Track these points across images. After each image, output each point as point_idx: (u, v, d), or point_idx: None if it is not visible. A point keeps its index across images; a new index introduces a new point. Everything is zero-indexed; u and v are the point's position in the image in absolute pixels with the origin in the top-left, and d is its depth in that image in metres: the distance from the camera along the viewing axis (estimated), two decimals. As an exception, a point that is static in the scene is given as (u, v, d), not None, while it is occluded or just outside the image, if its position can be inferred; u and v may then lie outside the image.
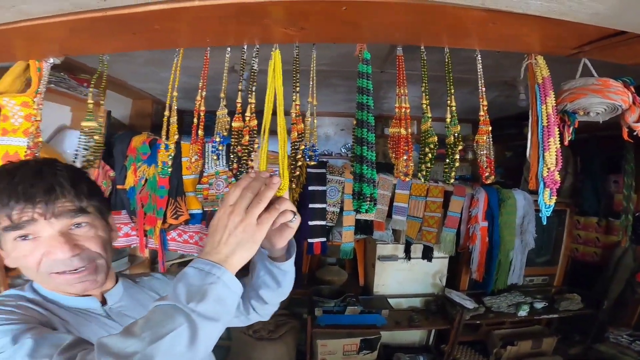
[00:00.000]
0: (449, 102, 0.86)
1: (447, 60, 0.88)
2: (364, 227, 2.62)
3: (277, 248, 0.77)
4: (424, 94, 0.92)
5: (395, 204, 2.66)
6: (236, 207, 0.61)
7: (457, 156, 0.80)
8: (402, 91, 0.88)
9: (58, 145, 2.14)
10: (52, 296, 0.72)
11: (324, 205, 2.48)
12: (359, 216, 2.53)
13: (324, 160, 2.77)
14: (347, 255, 2.62)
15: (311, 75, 0.91)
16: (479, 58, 0.86)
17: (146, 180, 2.25)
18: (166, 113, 1.07)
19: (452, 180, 0.83)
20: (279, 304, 0.91)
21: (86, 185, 0.73)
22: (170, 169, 1.78)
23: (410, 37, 0.86)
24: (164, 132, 1.07)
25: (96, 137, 1.06)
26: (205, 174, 2.22)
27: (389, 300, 2.93)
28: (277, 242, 0.76)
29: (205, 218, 2.26)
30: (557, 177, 0.81)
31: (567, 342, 2.95)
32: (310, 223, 2.46)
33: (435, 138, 0.86)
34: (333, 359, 2.76)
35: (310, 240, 2.48)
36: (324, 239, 2.50)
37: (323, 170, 2.49)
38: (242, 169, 0.92)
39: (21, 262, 0.69)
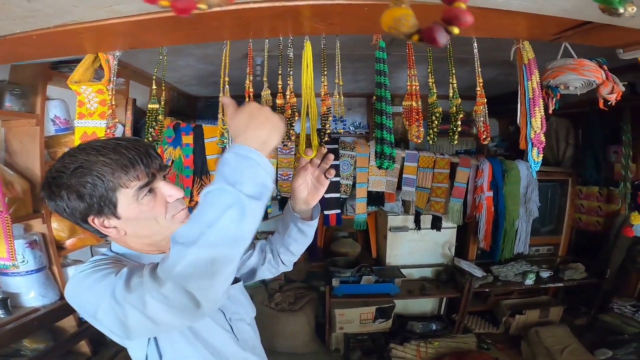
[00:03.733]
0: (450, 80, 1.04)
1: (448, 46, 1.05)
2: (375, 199, 2.78)
3: (310, 206, 0.97)
4: (429, 73, 1.09)
5: (404, 175, 2.81)
6: (263, 105, 0.70)
7: (459, 122, 0.99)
8: (412, 72, 1.06)
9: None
10: (135, 255, 0.83)
11: (337, 179, 2.66)
12: (370, 188, 2.69)
13: (336, 136, 2.94)
14: (360, 227, 2.78)
15: (336, 60, 1.09)
16: (475, 44, 1.02)
17: (172, 161, 2.45)
18: (221, 95, 1.23)
19: (455, 142, 1.02)
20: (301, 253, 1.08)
21: None
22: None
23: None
24: (220, 111, 1.23)
25: (159, 117, 1.25)
26: (225, 154, 2.41)
27: (401, 270, 3.07)
28: (311, 199, 0.96)
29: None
30: (542, 138, 0.98)
31: (572, 312, 3.04)
32: (326, 195, 2.63)
33: (440, 109, 1.05)
34: (351, 327, 2.94)
35: (326, 212, 2.66)
36: (338, 211, 2.68)
37: (336, 146, 2.66)
38: (285, 141, 1.11)
39: (148, 214, 0.78)
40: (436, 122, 1.06)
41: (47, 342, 1.92)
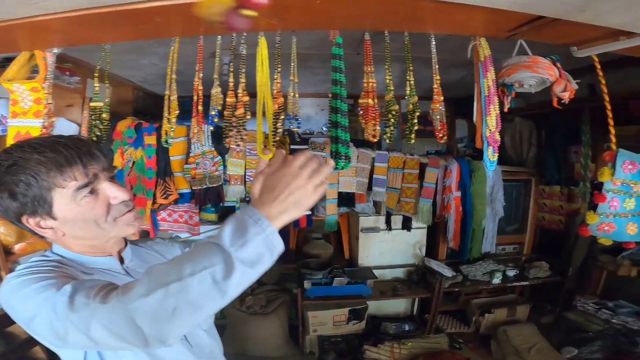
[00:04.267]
0: (407, 77, 1.02)
1: (406, 42, 1.03)
2: (346, 200, 2.77)
3: None
4: (387, 71, 1.07)
5: (374, 176, 2.80)
6: (303, 172, 0.65)
7: (416, 120, 0.97)
8: (369, 69, 1.04)
9: (47, 133, 2.21)
10: (77, 257, 0.80)
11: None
12: (341, 189, 2.67)
13: (307, 137, 2.90)
14: (331, 228, 2.76)
15: (292, 57, 1.05)
16: (433, 41, 1.01)
17: (134, 162, 2.35)
18: (167, 92, 1.18)
19: (412, 141, 1.00)
20: None
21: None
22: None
23: (376, 24, 1.00)
24: (165, 109, 1.18)
25: (103, 115, 1.17)
26: (192, 154, 2.34)
27: (373, 271, 3.08)
28: None
29: (194, 197, 2.38)
30: (497, 137, 0.98)
31: (539, 310, 3.11)
32: None
33: (397, 107, 1.02)
34: (324, 329, 2.91)
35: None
36: (309, 212, 2.65)
37: (306, 147, 2.63)
38: (239, 137, 1.06)
39: (88, 216, 0.75)
40: (392, 120, 1.04)
41: (-1, 348, 1.81)
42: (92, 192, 0.75)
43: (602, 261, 2.74)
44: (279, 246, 0.63)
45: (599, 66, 1.21)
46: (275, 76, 1.05)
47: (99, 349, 0.71)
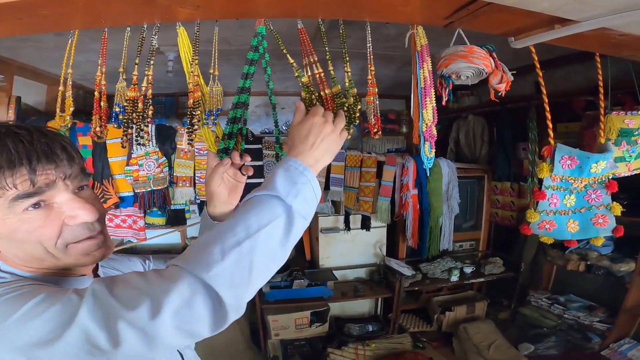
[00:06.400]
0: (345, 68, 0.97)
1: (341, 32, 0.97)
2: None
3: (233, 206, 0.84)
4: (329, 61, 1.00)
5: (331, 175, 2.77)
6: (327, 118, 0.71)
7: (358, 114, 0.92)
8: (311, 59, 0.96)
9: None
10: (37, 277, 0.60)
11: (261, 180, 2.53)
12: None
13: (261, 136, 2.81)
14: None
15: (213, 49, 0.97)
16: (369, 29, 0.96)
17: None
18: (61, 88, 1.06)
19: (349, 137, 0.94)
20: None
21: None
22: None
23: (308, 12, 0.94)
24: (58, 106, 1.06)
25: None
26: (134, 155, 2.18)
27: (335, 272, 3.05)
28: (233, 198, 0.84)
29: (137, 200, 2.23)
30: (434, 132, 0.94)
31: (496, 306, 3.17)
32: (249, 181, 2.50)
33: (344, 99, 0.95)
34: (286, 333, 2.85)
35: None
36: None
37: (259, 146, 2.54)
38: (139, 135, 0.97)
39: (28, 237, 0.56)
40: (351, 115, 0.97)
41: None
42: (40, 205, 0.57)
43: (551, 256, 2.82)
44: (319, 194, 0.65)
45: (536, 57, 1.21)
46: (192, 68, 0.96)
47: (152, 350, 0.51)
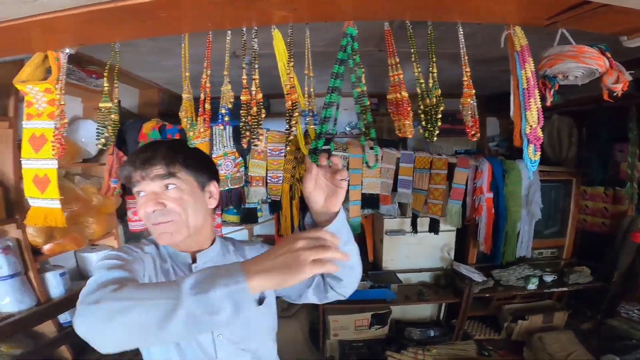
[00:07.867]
0: (430, 69, 0.93)
1: (429, 32, 0.94)
2: (369, 201, 2.65)
3: (332, 212, 0.82)
4: (414, 64, 0.98)
5: (399, 177, 2.69)
6: (305, 240, 0.61)
7: (440, 115, 0.88)
8: (393, 61, 0.95)
9: (73, 135, 2.26)
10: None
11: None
12: (364, 190, 2.58)
13: (329, 137, 2.82)
14: (354, 231, 2.68)
15: (306, 52, 0.99)
16: (461, 30, 0.91)
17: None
18: (185, 94, 1.15)
19: (435, 139, 0.91)
20: (355, 283, 0.95)
21: (182, 156, 0.87)
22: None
23: (394, 14, 0.92)
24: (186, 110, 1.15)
25: (112, 116, 1.16)
26: (214, 156, 2.32)
27: (398, 275, 2.99)
28: (330, 205, 0.81)
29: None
30: (540, 134, 0.87)
31: (578, 317, 2.94)
32: None
33: (427, 101, 0.92)
34: (345, 334, 2.86)
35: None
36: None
37: (328, 147, 2.55)
38: (255, 137, 1.02)
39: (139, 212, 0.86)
40: (423, 115, 0.94)
41: (25, 348, 1.86)
42: (141, 193, 0.85)
43: (651, 266, 2.52)
44: (246, 305, 0.58)
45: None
46: (288, 70, 0.99)
47: None
